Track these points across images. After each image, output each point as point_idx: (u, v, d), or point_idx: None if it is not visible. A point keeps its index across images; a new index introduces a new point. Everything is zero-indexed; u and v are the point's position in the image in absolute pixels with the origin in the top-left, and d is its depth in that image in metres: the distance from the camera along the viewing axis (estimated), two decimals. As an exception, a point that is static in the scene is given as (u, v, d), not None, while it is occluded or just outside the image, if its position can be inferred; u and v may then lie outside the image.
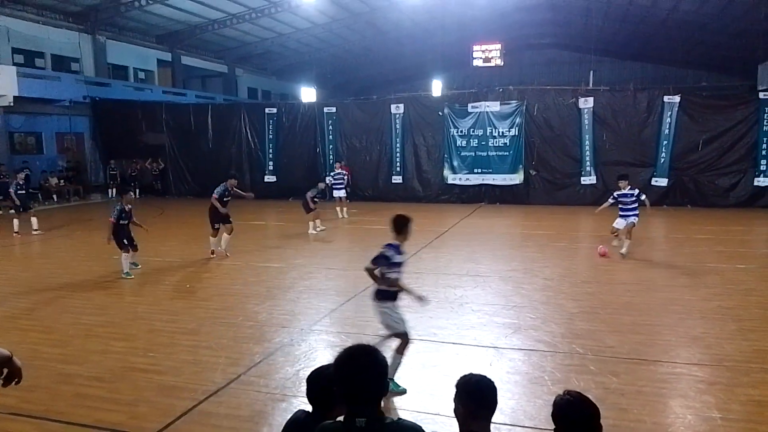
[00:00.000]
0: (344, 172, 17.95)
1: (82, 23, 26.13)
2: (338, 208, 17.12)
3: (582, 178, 19.44)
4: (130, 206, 9.70)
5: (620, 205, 10.95)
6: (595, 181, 19.28)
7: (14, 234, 14.04)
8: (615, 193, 11.16)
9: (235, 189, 11.48)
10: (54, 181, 22.94)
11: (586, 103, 19.17)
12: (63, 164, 25.04)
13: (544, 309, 7.37)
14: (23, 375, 2.51)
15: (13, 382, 2.48)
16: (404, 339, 4.99)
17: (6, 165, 21.41)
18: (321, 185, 14.84)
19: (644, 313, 7.24)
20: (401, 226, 5.15)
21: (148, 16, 27.81)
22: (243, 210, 18.92)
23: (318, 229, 14.27)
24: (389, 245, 5.04)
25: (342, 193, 17.39)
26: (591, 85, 26.24)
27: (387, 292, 5.00)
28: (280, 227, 15.94)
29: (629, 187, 10.98)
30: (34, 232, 14.21)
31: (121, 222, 9.48)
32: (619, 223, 11.02)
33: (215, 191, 11.04)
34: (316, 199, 14.20)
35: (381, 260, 4.96)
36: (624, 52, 37.68)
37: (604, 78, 32.24)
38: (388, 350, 4.86)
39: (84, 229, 15.14)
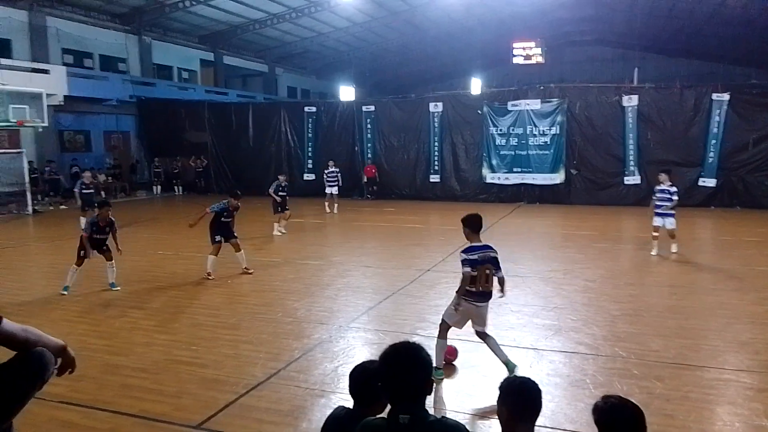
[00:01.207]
0: (336, 170, 18.65)
1: (129, 24, 26.91)
2: (327, 203, 17.89)
3: (625, 178, 18.98)
4: (110, 220, 8.64)
5: (656, 202, 10.82)
6: (639, 181, 18.80)
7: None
8: (655, 188, 11.12)
9: (235, 212, 9.71)
10: (102, 178, 23.68)
11: (630, 101, 18.70)
12: (110, 162, 25.87)
13: (585, 311, 7.22)
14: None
15: (67, 372, 2.57)
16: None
17: (56, 162, 22.23)
18: (281, 178, 14.39)
19: (690, 316, 7.03)
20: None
21: (191, 17, 28.45)
22: (282, 207, 19.16)
23: (281, 230, 13.75)
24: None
25: (334, 190, 18.20)
26: (635, 82, 25.58)
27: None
28: (318, 225, 16.08)
29: (669, 183, 10.73)
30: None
31: (95, 237, 8.51)
32: (657, 221, 10.83)
33: (212, 207, 9.49)
34: (281, 193, 13.74)
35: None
36: (670, 48, 36.64)
37: (648, 75, 31.41)
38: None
39: (128, 226, 15.55)
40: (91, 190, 14.76)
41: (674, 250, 10.74)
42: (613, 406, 2.29)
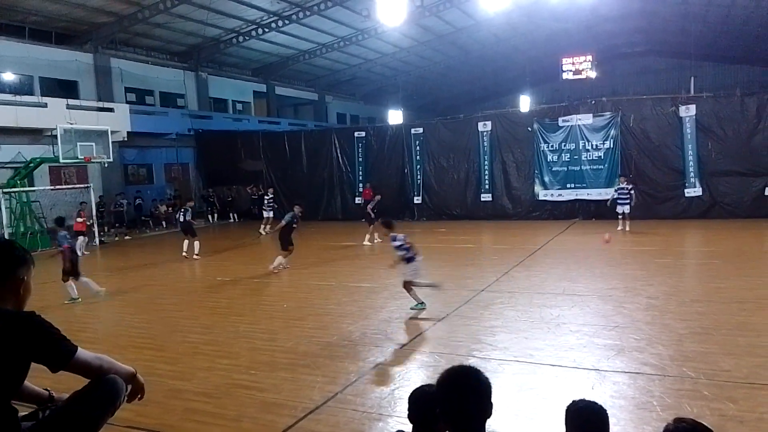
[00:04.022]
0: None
1: (186, 62, 28.22)
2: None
3: (686, 190, 18.29)
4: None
5: (619, 197, 16.36)
6: (700, 193, 18.09)
7: (183, 255, 14.88)
8: (615, 188, 17.00)
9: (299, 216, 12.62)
10: (163, 208, 24.62)
11: (688, 111, 18.11)
12: (170, 192, 26.93)
13: (649, 329, 6.96)
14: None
15: (137, 398, 2.68)
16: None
17: (124, 194, 23.36)
18: (378, 197, 17.02)
19: (762, 333, 6.67)
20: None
21: (244, 51, 29.58)
22: (335, 231, 19.42)
23: (375, 240, 15.81)
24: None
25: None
26: (692, 91, 24.76)
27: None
28: (370, 247, 16.17)
29: (626, 183, 16.48)
30: (195, 257, 14.71)
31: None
32: (620, 209, 16.21)
33: (285, 219, 12.24)
34: (375, 210, 16.12)
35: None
36: (727, 56, 35.37)
37: (706, 84, 30.37)
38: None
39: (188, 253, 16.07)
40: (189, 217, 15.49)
41: (627, 228, 15.85)
42: (686, 429, 2.19)
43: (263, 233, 19.36)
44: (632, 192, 16.28)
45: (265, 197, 21.13)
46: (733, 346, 6.24)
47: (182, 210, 15.69)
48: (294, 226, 12.19)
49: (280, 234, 12.22)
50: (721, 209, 17.90)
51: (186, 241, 15.06)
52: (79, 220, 16.78)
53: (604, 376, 5.53)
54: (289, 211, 12.61)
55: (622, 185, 16.39)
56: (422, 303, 8.26)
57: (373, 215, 16.10)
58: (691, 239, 15.34)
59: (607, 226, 17.73)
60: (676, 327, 7.02)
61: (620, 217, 16.22)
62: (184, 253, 14.91)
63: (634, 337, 6.65)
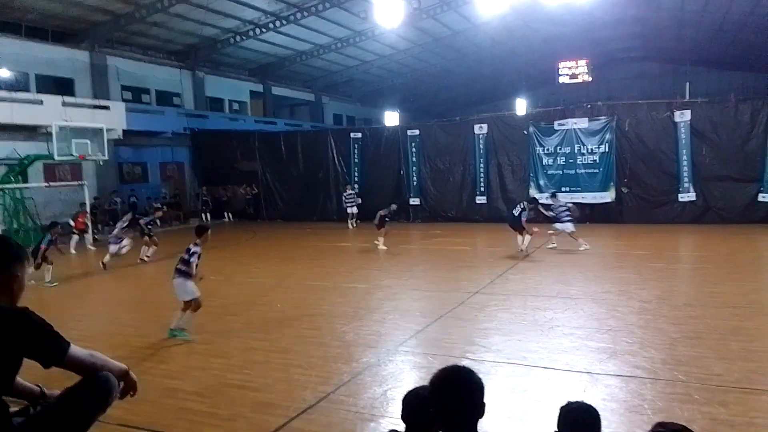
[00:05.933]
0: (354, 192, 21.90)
1: (183, 61, 28.17)
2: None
3: (680, 195, 18.36)
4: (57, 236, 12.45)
5: (558, 215, 14.03)
6: (694, 198, 18.16)
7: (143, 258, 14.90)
8: (553, 209, 14.28)
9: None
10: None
11: (683, 117, 18.19)
12: (165, 192, 26.83)
13: (641, 333, 6.99)
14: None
15: (129, 395, 2.68)
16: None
17: (118, 192, 23.30)
18: (393, 206, 16.22)
19: (755, 338, 6.71)
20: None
21: (242, 51, 29.56)
22: (330, 231, 19.42)
23: (381, 246, 15.10)
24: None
25: (354, 210, 21.42)
26: (687, 97, 24.89)
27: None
28: (366, 248, 16.17)
29: (562, 201, 14.55)
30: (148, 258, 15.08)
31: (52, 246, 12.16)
32: (565, 227, 13.87)
33: (524, 214, 13.32)
34: (387, 218, 15.46)
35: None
36: (722, 62, 35.59)
37: (700, 89, 30.52)
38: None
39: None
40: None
41: (586, 246, 13.58)
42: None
43: (352, 226, 21.05)
44: (570, 205, 14.30)
45: (344, 194, 21.88)
46: (726, 350, 6.27)
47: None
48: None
49: (513, 224, 13.47)
50: (715, 214, 17.98)
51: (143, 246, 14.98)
52: (78, 220, 17.30)
53: (596, 379, 5.55)
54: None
55: (558, 203, 14.30)
56: (184, 332, 7.41)
57: (379, 220, 15.46)
58: (684, 244, 15.41)
59: (602, 229, 17.86)
60: (668, 331, 7.06)
61: (573, 237, 13.90)
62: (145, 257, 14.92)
63: (626, 341, 6.68)
